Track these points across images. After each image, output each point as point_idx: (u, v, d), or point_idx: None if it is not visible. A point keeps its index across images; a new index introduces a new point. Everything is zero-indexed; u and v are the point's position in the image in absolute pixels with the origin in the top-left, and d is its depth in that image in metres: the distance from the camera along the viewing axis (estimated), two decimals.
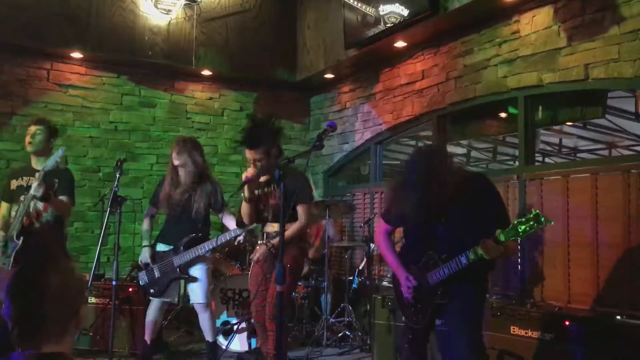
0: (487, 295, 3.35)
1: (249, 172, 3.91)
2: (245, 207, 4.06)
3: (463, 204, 3.01)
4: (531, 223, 2.74)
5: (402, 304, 3.38)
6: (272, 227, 4.09)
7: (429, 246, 3.17)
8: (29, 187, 4.33)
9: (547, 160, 9.97)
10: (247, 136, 3.97)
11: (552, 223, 2.82)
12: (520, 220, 2.80)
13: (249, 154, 3.95)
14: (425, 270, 3.16)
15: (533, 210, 2.83)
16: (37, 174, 4.17)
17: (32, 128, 4.45)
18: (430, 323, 3.32)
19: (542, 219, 2.74)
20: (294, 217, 4.03)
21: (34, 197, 4.10)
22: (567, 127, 8.55)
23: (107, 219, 3.90)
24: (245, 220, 4.12)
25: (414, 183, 2.94)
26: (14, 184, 4.44)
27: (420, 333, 3.33)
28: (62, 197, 4.34)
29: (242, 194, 4.03)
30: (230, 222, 4.69)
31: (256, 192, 4.06)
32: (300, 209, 4.01)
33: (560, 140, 10.07)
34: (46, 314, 1.39)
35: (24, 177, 4.41)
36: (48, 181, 4.26)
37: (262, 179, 4.05)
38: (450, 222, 3.07)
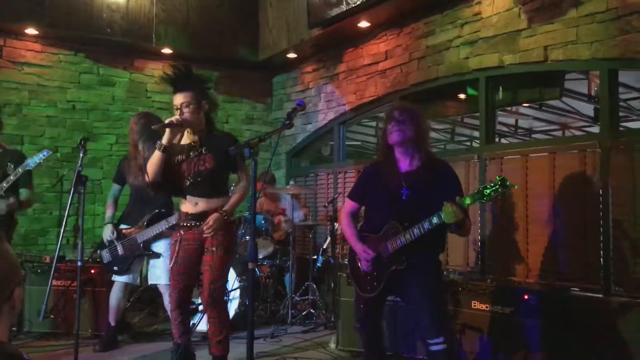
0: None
1: (175, 117, 3.50)
2: (157, 158, 3.49)
3: (428, 177, 3.16)
4: (496, 187, 2.87)
5: (356, 275, 3.46)
6: (196, 206, 3.65)
7: (390, 216, 3.24)
8: None
9: (503, 141, 10.20)
10: (176, 77, 3.58)
11: (516, 187, 2.94)
12: (485, 185, 2.92)
13: (176, 98, 3.54)
14: (385, 239, 3.24)
15: (498, 176, 2.94)
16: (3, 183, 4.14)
17: None
18: (382, 296, 3.39)
19: (507, 183, 2.86)
20: (222, 188, 3.72)
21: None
22: (523, 108, 8.74)
23: (71, 199, 3.82)
24: (151, 174, 3.53)
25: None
26: None
27: (372, 307, 3.39)
28: (24, 192, 4.30)
29: (157, 144, 3.49)
30: None
31: (179, 157, 3.61)
32: (242, 174, 3.71)
33: (517, 121, 10.30)
34: None
35: None
36: (2, 166, 4.19)
37: (188, 139, 3.65)
38: (413, 193, 3.18)
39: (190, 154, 3.62)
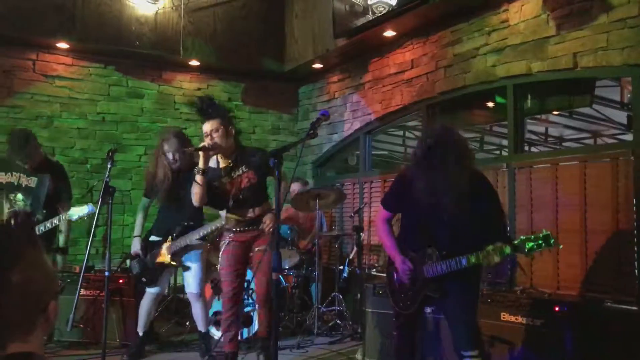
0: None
1: (206, 141, 3.88)
2: (200, 181, 3.84)
3: (466, 199, 3.02)
4: (539, 242, 2.86)
5: (392, 289, 3.44)
6: (253, 212, 4.11)
7: (427, 237, 3.21)
8: (19, 186, 4.35)
9: (533, 149, 10.05)
10: (203, 107, 3.95)
11: (561, 247, 2.88)
12: (529, 237, 2.89)
13: (205, 127, 3.92)
14: (423, 261, 3.21)
15: (544, 230, 2.93)
16: (62, 221, 4.44)
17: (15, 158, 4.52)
18: (419, 311, 3.39)
19: (552, 241, 2.85)
20: (265, 194, 4.17)
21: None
22: (553, 116, 8.61)
23: (99, 210, 3.88)
24: (195, 198, 3.90)
25: (447, 159, 2.95)
26: (2, 177, 4.43)
27: (409, 319, 3.39)
28: (61, 238, 4.68)
29: (195, 169, 3.87)
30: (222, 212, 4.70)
31: (224, 179, 4.01)
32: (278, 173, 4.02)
33: (547, 129, 10.14)
34: (6, 312, 1.27)
35: (15, 173, 4.42)
36: (43, 185, 4.33)
37: (224, 162, 4.03)
38: (451, 215, 3.07)
39: (232, 174, 4.03)
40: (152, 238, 4.74)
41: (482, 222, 3.04)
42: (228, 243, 4.15)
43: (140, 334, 4.67)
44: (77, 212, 4.25)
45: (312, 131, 2.86)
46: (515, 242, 2.93)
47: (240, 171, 4.04)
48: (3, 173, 4.45)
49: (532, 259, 3.50)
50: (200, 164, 3.82)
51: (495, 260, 2.94)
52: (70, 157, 6.48)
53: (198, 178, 3.84)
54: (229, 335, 4.17)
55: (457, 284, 3.13)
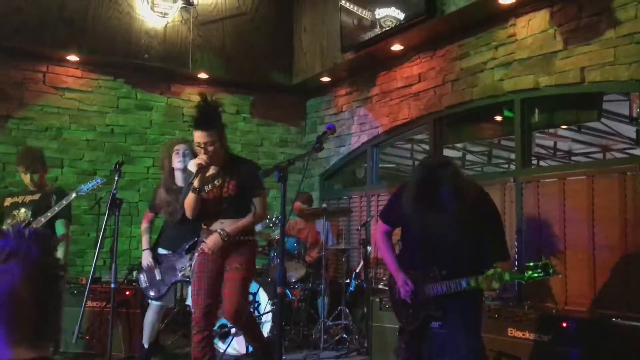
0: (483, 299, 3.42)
1: (202, 158, 3.59)
2: (192, 199, 3.68)
3: (468, 218, 3.00)
4: (539, 271, 2.86)
5: (396, 305, 3.45)
6: (222, 224, 3.79)
7: (428, 255, 3.22)
8: (23, 203, 4.42)
9: (541, 163, 10.02)
10: (202, 115, 3.63)
11: (560, 275, 2.89)
12: (529, 265, 2.89)
13: (200, 136, 3.59)
14: (424, 280, 3.21)
15: (544, 257, 2.94)
16: (54, 199, 4.36)
17: (23, 170, 4.55)
18: (425, 325, 3.38)
19: (551, 271, 2.85)
20: (245, 210, 3.80)
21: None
22: (562, 130, 8.59)
23: (106, 221, 3.89)
24: (189, 213, 3.75)
25: (447, 192, 2.87)
26: (8, 201, 4.60)
27: (414, 334, 3.39)
28: (60, 224, 4.46)
29: (192, 184, 3.65)
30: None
31: (206, 187, 3.75)
32: (256, 200, 3.79)
33: (555, 143, 10.11)
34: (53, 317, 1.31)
35: (20, 196, 4.55)
36: (47, 197, 4.35)
37: (210, 170, 3.76)
38: (452, 234, 3.07)
39: (215, 182, 3.78)
40: (161, 251, 4.76)
41: (484, 242, 3.05)
42: (198, 256, 3.86)
43: (146, 346, 4.66)
44: (86, 186, 4.24)
45: (318, 144, 2.87)
46: (516, 270, 2.95)
47: (222, 180, 3.76)
48: (10, 197, 4.59)
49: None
50: (196, 183, 3.63)
51: (495, 287, 2.94)
52: (79, 168, 6.52)
53: (191, 196, 3.67)
54: None
55: (458, 303, 3.11)
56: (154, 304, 4.67)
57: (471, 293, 3.10)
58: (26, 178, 4.56)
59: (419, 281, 3.23)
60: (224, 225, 3.77)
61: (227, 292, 3.79)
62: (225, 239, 3.71)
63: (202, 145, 3.60)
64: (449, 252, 3.13)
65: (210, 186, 3.77)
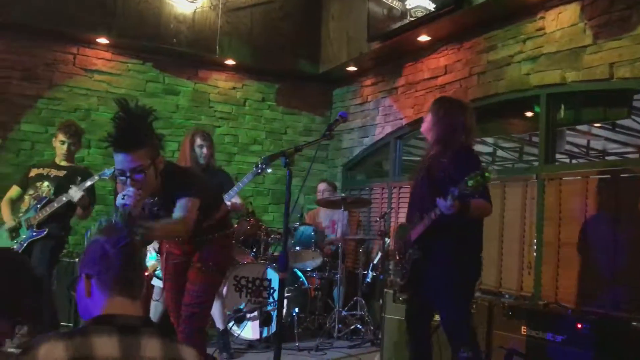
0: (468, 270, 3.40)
1: (133, 194, 2.64)
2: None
3: (439, 164, 3.29)
4: (477, 178, 2.89)
5: (396, 264, 3.79)
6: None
7: (414, 205, 3.50)
8: (48, 176, 4.47)
9: (573, 162, 9.79)
10: (120, 131, 2.70)
11: (493, 176, 2.92)
12: (470, 175, 2.92)
13: (122, 161, 2.68)
14: (412, 229, 3.40)
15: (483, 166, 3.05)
16: (78, 180, 4.38)
17: (63, 139, 4.61)
18: (423, 299, 3.45)
19: (487, 174, 2.88)
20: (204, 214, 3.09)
21: (71, 199, 4.29)
22: (595, 128, 8.37)
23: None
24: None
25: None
26: (33, 172, 4.60)
27: (417, 308, 3.50)
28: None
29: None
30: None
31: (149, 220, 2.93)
32: (178, 205, 2.87)
33: (588, 142, 9.87)
34: None
35: (46, 168, 4.57)
36: (72, 176, 4.41)
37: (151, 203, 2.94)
38: (426, 182, 3.36)
39: (160, 213, 2.99)
40: None
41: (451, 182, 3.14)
42: (165, 254, 3.37)
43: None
44: (109, 170, 4.24)
45: (328, 132, 2.87)
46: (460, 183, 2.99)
47: (164, 213, 2.94)
48: (36, 168, 4.64)
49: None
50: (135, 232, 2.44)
51: (447, 208, 2.99)
52: (105, 150, 6.63)
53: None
54: None
55: (435, 246, 3.27)
56: (157, 287, 4.76)
57: (444, 242, 3.26)
58: (62, 148, 4.60)
59: (409, 232, 3.42)
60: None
61: (185, 296, 3.17)
62: (142, 232, 2.56)
63: (128, 175, 2.67)
64: (424, 197, 3.34)
65: (153, 218, 2.97)
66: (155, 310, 4.87)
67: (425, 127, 3.49)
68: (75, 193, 4.27)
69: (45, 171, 4.54)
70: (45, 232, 4.31)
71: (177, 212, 2.80)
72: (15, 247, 4.31)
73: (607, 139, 9.40)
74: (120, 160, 2.65)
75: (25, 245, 4.30)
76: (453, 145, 3.31)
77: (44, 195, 4.42)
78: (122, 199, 2.62)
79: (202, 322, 3.22)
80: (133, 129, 2.66)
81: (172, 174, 2.91)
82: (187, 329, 3.06)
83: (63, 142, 4.59)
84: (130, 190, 2.63)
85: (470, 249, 3.36)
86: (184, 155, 4.90)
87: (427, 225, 3.22)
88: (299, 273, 5.70)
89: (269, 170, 5.72)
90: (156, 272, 4.77)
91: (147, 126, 2.75)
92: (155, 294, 4.84)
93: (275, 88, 7.51)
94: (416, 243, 3.35)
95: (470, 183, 2.89)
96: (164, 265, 3.34)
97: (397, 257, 3.56)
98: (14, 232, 4.35)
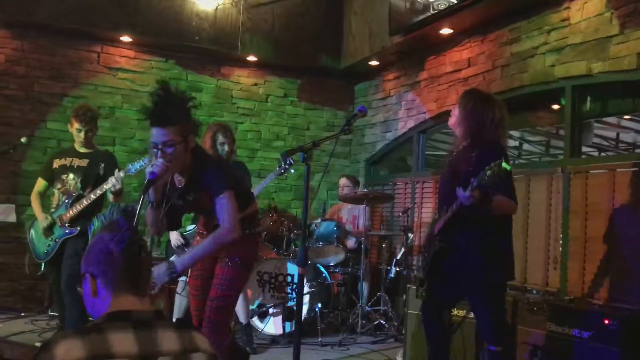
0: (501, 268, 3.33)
1: (161, 164, 2.77)
2: (150, 215, 3.01)
3: (468, 158, 3.25)
4: (494, 168, 2.85)
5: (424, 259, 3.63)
6: (203, 226, 3.28)
7: (442, 200, 3.49)
8: (71, 167, 4.49)
9: (602, 155, 9.59)
10: (157, 107, 2.82)
11: (509, 169, 2.86)
12: (489, 165, 2.88)
13: (156, 135, 2.82)
14: (437, 222, 3.42)
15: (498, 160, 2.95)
16: (116, 173, 4.30)
17: (79, 126, 4.51)
18: (443, 292, 3.41)
19: (503, 165, 2.84)
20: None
21: (109, 189, 4.27)
22: (625, 121, 8.19)
23: (141, 203, 3.97)
24: (153, 231, 3.10)
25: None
26: (56, 163, 4.57)
27: (437, 299, 3.45)
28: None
29: (146, 197, 2.85)
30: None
31: (178, 202, 3.07)
32: (220, 211, 2.94)
33: (618, 134, 9.66)
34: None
35: (67, 158, 4.57)
36: (96, 165, 4.43)
37: (179, 181, 3.05)
38: (452, 176, 3.34)
39: (188, 197, 3.08)
40: (190, 227, 4.89)
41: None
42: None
43: (174, 319, 4.78)
44: (135, 166, 4.20)
45: (347, 126, 2.85)
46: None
47: (193, 196, 3.07)
48: (58, 159, 4.62)
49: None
50: (152, 197, 2.95)
51: (467, 199, 2.95)
52: (130, 147, 6.71)
53: (149, 211, 3.01)
54: None
55: (460, 238, 3.25)
56: (181, 281, 4.80)
57: (470, 233, 3.24)
58: (80, 136, 4.52)
59: (434, 225, 3.47)
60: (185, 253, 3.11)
61: (211, 290, 3.15)
62: (174, 275, 2.84)
63: (159, 147, 2.81)
64: (451, 190, 3.23)
65: (182, 201, 3.09)
66: (179, 304, 4.93)
67: (453, 121, 3.45)
68: (116, 184, 4.23)
69: (68, 161, 4.54)
70: (78, 231, 4.34)
71: (220, 216, 2.94)
72: (50, 244, 4.38)
73: (637, 131, 9.20)
74: (153, 133, 2.81)
75: (60, 242, 4.37)
76: (482, 139, 3.28)
77: (71, 189, 4.46)
78: (151, 166, 2.77)
79: (228, 316, 3.25)
80: (169, 106, 2.80)
81: (202, 155, 3.07)
82: (213, 322, 3.06)
83: (80, 130, 4.50)
84: (159, 160, 2.78)
85: (497, 244, 3.30)
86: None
87: (449, 217, 3.22)
88: (322, 268, 5.69)
89: (292, 171, 5.69)
90: None
91: (184, 107, 2.89)
92: (179, 288, 4.89)
93: (297, 84, 7.51)
94: (439, 235, 3.36)
95: (488, 173, 2.87)
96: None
97: (422, 251, 3.57)
98: (49, 229, 4.42)
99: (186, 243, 4.85)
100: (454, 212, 3.16)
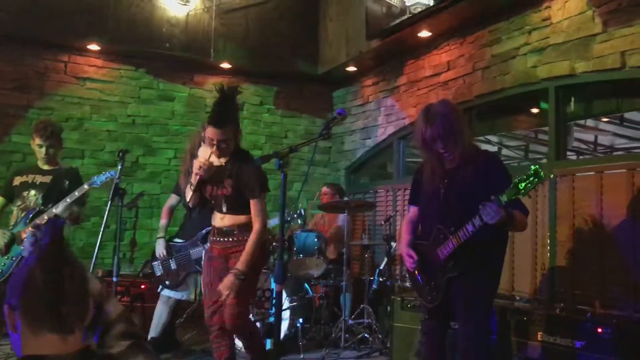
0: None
1: (209, 159, 3.44)
2: (192, 196, 3.61)
3: (469, 173, 3.03)
4: (531, 179, 2.71)
5: (416, 284, 3.33)
6: (222, 220, 3.59)
7: (433, 218, 3.16)
8: (33, 184, 4.25)
9: (580, 158, 9.56)
10: (219, 111, 3.40)
11: (552, 176, 2.71)
12: (520, 177, 2.75)
13: (214, 134, 3.38)
14: (436, 246, 3.11)
15: (532, 166, 2.77)
16: (66, 184, 4.16)
17: (40, 142, 4.29)
18: (447, 312, 3.20)
19: (542, 174, 2.71)
20: (246, 207, 3.51)
21: (58, 215, 4.05)
22: (603, 123, 8.16)
23: (108, 211, 3.78)
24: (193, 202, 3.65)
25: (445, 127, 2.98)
26: (17, 180, 4.34)
27: (438, 320, 3.26)
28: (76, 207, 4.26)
29: (190, 183, 3.54)
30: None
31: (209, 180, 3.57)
32: (252, 206, 3.50)
33: (596, 137, 9.64)
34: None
35: (30, 175, 4.33)
36: (60, 182, 4.20)
37: (215, 162, 3.54)
38: (451, 192, 3.08)
39: (219, 176, 3.55)
40: (177, 240, 4.72)
41: (489, 192, 2.87)
42: (206, 252, 3.80)
43: (148, 338, 4.53)
44: (100, 178, 4.07)
45: (325, 130, 2.69)
46: (510, 187, 2.78)
47: (226, 176, 3.53)
48: (19, 176, 4.38)
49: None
50: (194, 182, 3.54)
51: (494, 215, 2.76)
52: (100, 159, 6.45)
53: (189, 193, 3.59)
54: None
55: (472, 263, 3.01)
56: (163, 295, 4.60)
57: (480, 269, 3.03)
58: (40, 152, 4.29)
59: (433, 249, 3.13)
60: (232, 220, 3.57)
61: (227, 308, 3.50)
62: (242, 278, 3.37)
63: (215, 142, 3.41)
64: (456, 210, 3.03)
65: (212, 180, 3.57)
66: (158, 321, 4.67)
67: (430, 134, 3.03)
68: (62, 210, 4.05)
69: (29, 178, 4.30)
70: None
71: (256, 221, 3.47)
72: (5, 263, 4.12)
73: (615, 134, 9.19)
74: (213, 132, 3.36)
75: (17, 261, 4.10)
76: (474, 149, 3.19)
77: (32, 205, 4.21)
78: (199, 169, 3.40)
79: (246, 317, 3.66)
80: (226, 111, 3.37)
81: (243, 151, 3.64)
82: (237, 327, 3.50)
83: (41, 146, 4.26)
84: (202, 162, 3.41)
85: (501, 261, 3.21)
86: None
87: (464, 239, 2.96)
88: (304, 282, 5.49)
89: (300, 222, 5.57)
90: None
91: (235, 106, 3.47)
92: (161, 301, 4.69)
93: (274, 91, 7.33)
94: (451, 260, 3.05)
95: (522, 186, 2.71)
96: (205, 264, 3.68)
97: (423, 282, 3.25)
98: (7, 247, 4.15)
99: (170, 253, 4.67)
100: (472, 232, 2.92)
